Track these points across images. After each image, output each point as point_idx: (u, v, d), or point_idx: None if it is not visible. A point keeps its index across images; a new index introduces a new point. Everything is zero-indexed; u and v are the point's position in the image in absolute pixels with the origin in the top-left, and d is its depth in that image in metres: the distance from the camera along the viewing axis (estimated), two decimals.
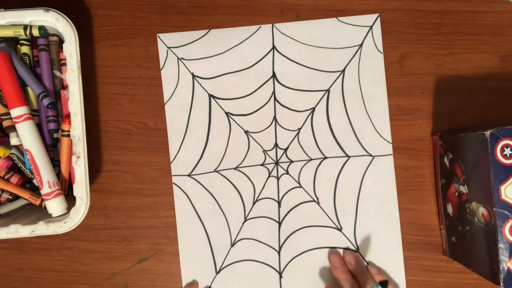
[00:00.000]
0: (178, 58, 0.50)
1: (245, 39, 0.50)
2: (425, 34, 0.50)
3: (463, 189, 0.43)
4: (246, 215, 0.50)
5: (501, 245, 0.38)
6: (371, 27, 0.50)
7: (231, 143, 0.50)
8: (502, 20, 0.50)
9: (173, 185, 0.50)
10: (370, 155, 0.50)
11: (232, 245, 0.50)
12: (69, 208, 0.44)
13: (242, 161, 0.50)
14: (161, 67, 0.50)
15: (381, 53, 0.50)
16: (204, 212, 0.50)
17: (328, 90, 0.50)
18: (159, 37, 0.50)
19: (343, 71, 0.50)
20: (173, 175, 0.50)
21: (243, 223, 0.50)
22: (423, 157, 0.50)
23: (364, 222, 0.50)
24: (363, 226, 0.50)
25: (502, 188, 0.38)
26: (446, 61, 0.50)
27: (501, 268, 0.38)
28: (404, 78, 0.50)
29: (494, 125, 0.39)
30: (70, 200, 0.45)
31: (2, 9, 0.43)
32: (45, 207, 0.44)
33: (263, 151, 0.50)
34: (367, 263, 0.49)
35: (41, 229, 0.43)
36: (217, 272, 0.50)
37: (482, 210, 0.40)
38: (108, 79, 0.50)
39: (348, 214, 0.50)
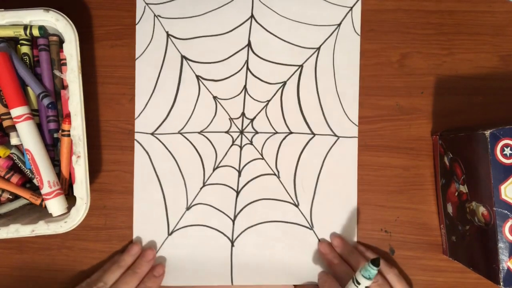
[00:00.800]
0: (154, 15, 0.50)
1: (225, 4, 0.50)
2: (425, 34, 0.50)
3: (463, 188, 0.43)
4: (205, 180, 0.50)
5: (501, 245, 0.38)
6: (351, 8, 0.50)
7: (198, 107, 0.50)
8: (502, 20, 0.50)
9: (135, 141, 0.50)
10: (336, 135, 0.50)
11: (188, 208, 0.49)
12: (69, 208, 0.44)
13: (207, 127, 0.50)
14: (136, 22, 0.50)
15: (358, 35, 0.50)
16: (163, 172, 0.50)
17: (301, 66, 0.50)
18: None
19: (319, 48, 0.50)
20: (136, 132, 0.50)
21: (201, 188, 0.50)
22: (423, 157, 0.50)
23: (321, 201, 0.50)
24: (320, 205, 0.50)
25: (502, 187, 0.38)
26: (446, 61, 0.50)
27: (501, 268, 0.38)
28: (404, 78, 0.50)
29: (494, 125, 0.39)
30: (70, 200, 0.45)
31: (2, 9, 0.43)
32: (45, 207, 0.44)
33: (229, 119, 0.50)
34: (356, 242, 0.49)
35: (41, 228, 0.43)
36: (169, 234, 0.49)
37: (482, 209, 0.40)
38: (108, 79, 0.50)
39: (307, 192, 0.50)
